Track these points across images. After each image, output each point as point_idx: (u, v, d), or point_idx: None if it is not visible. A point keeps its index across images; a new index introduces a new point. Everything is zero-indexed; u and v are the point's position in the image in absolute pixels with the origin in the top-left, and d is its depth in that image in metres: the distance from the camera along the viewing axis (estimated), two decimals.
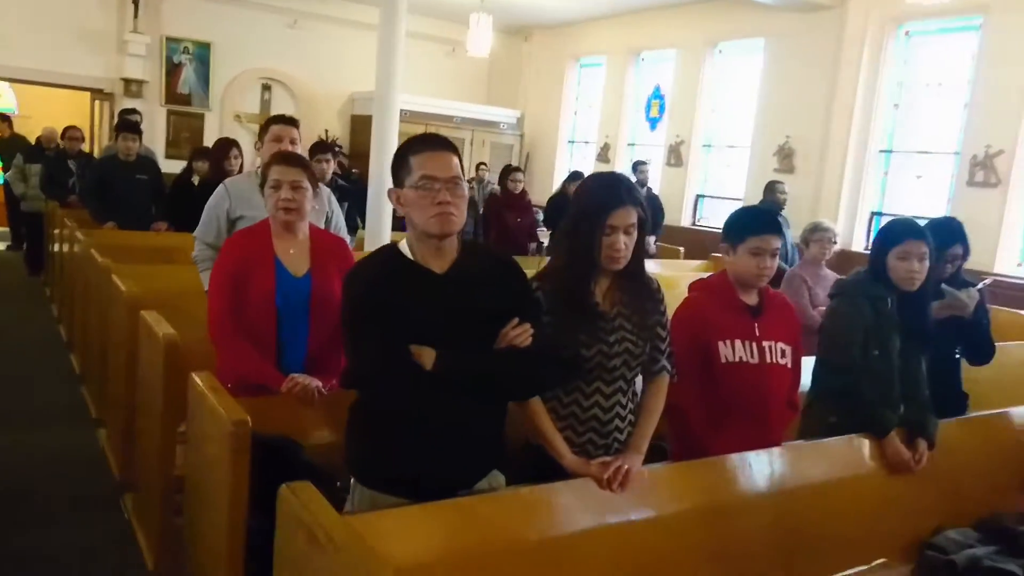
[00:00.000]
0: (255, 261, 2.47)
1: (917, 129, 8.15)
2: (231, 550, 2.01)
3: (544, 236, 7.22)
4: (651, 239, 7.61)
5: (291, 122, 3.31)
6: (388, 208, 6.27)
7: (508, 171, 6.87)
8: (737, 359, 2.31)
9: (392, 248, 1.84)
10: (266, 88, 11.46)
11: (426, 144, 1.79)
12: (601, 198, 1.96)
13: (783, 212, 6.40)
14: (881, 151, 8.34)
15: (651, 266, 5.80)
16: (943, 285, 3.00)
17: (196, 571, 2.31)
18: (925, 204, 8.00)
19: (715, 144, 10.17)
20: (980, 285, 3.10)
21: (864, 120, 8.28)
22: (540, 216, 7.66)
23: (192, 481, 2.39)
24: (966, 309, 3.01)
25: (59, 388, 4.89)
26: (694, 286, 2.45)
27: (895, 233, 2.63)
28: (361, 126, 10.51)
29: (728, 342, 2.31)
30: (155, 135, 10.51)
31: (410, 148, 1.79)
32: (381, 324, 1.71)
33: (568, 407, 2.04)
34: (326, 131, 11.44)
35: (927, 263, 2.60)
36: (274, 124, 3.29)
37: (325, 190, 3.55)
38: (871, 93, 8.23)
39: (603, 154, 11.49)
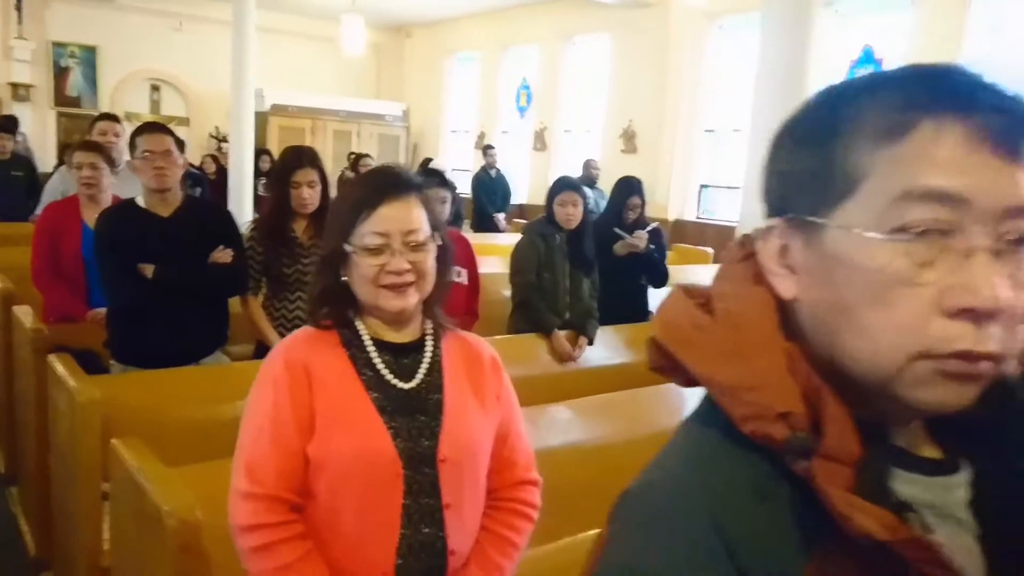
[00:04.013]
0: (66, 224, 3.26)
1: (733, 111, 9.29)
2: (37, 423, 2.81)
3: None
4: (500, 216, 8.57)
5: (113, 119, 4.09)
6: (249, 194, 7.02)
7: (358, 158, 7.72)
8: None
9: (131, 201, 2.68)
10: (155, 89, 12.00)
11: (147, 129, 2.64)
12: (289, 163, 2.84)
13: (597, 184, 7.44)
14: (706, 131, 9.47)
15: (503, 238, 6.73)
16: (616, 229, 3.97)
17: (8, 457, 3.10)
18: (738, 176, 9.15)
19: (574, 129, 11.19)
20: (649, 228, 4.05)
21: (691, 104, 9.39)
22: None
23: (16, 392, 3.17)
24: (637, 247, 3.97)
25: None
26: None
27: (557, 186, 3.57)
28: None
29: None
30: (46, 136, 10.99)
31: (138, 132, 2.64)
32: (115, 250, 2.54)
33: (279, 311, 2.91)
34: (216, 128, 12.05)
35: (580, 208, 3.55)
36: (99, 121, 4.06)
37: None
38: (695, 80, 9.34)
39: (480, 142, 12.39)
